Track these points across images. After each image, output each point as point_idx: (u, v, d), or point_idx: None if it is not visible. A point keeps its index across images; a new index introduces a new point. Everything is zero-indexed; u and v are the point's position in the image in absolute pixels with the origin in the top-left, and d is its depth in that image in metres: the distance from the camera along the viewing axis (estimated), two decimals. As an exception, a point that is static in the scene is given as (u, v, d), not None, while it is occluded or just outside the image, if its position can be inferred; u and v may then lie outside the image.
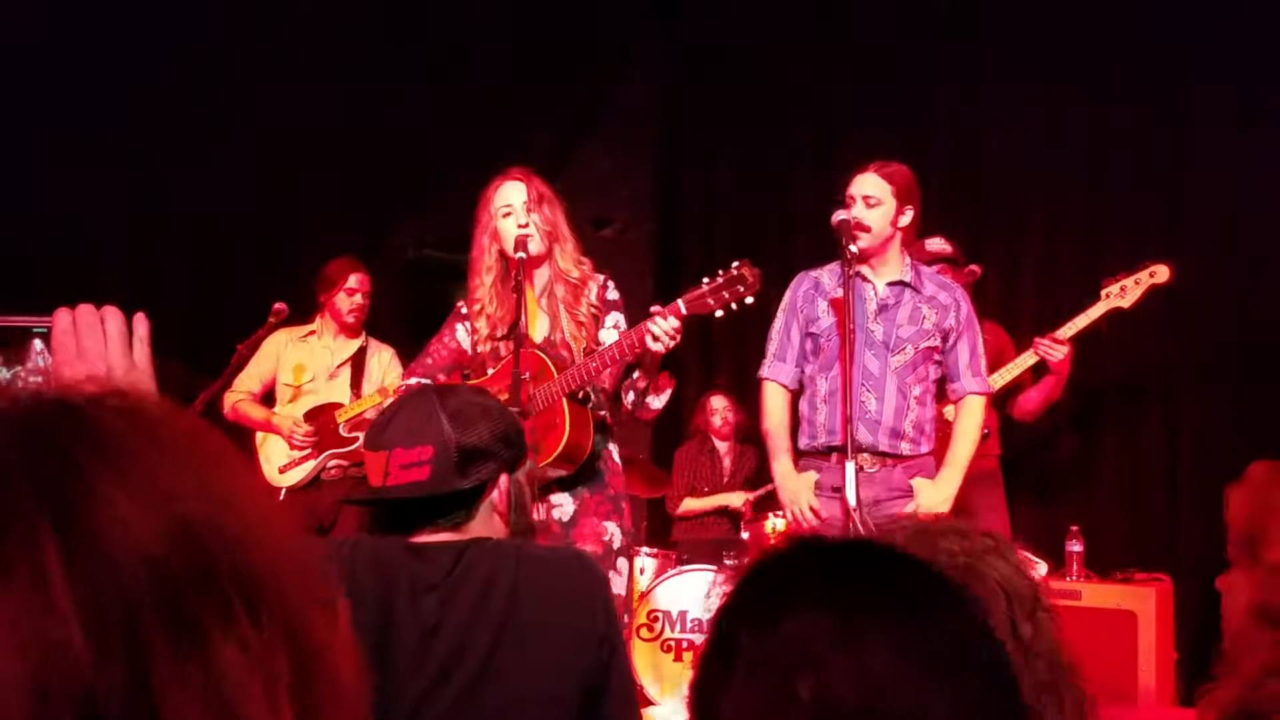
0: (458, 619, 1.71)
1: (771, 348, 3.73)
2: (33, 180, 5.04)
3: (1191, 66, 5.14)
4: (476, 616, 1.72)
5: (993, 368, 4.61)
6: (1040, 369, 4.56)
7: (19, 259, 4.95)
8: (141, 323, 1.36)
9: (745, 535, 5.38)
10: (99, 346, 1.32)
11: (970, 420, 3.62)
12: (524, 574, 1.77)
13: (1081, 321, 4.43)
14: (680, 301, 3.01)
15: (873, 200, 3.49)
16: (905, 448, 3.55)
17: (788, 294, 3.74)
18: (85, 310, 1.33)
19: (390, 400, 3.36)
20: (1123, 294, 4.39)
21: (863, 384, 3.52)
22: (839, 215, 3.36)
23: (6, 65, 4.98)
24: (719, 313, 2.99)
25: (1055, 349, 4.38)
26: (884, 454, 3.53)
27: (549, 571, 1.82)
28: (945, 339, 3.61)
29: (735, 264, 2.97)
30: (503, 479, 1.87)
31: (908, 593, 0.86)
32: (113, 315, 1.34)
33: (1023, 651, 1.19)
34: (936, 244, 4.61)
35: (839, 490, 3.22)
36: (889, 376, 3.55)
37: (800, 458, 3.65)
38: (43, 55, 5.11)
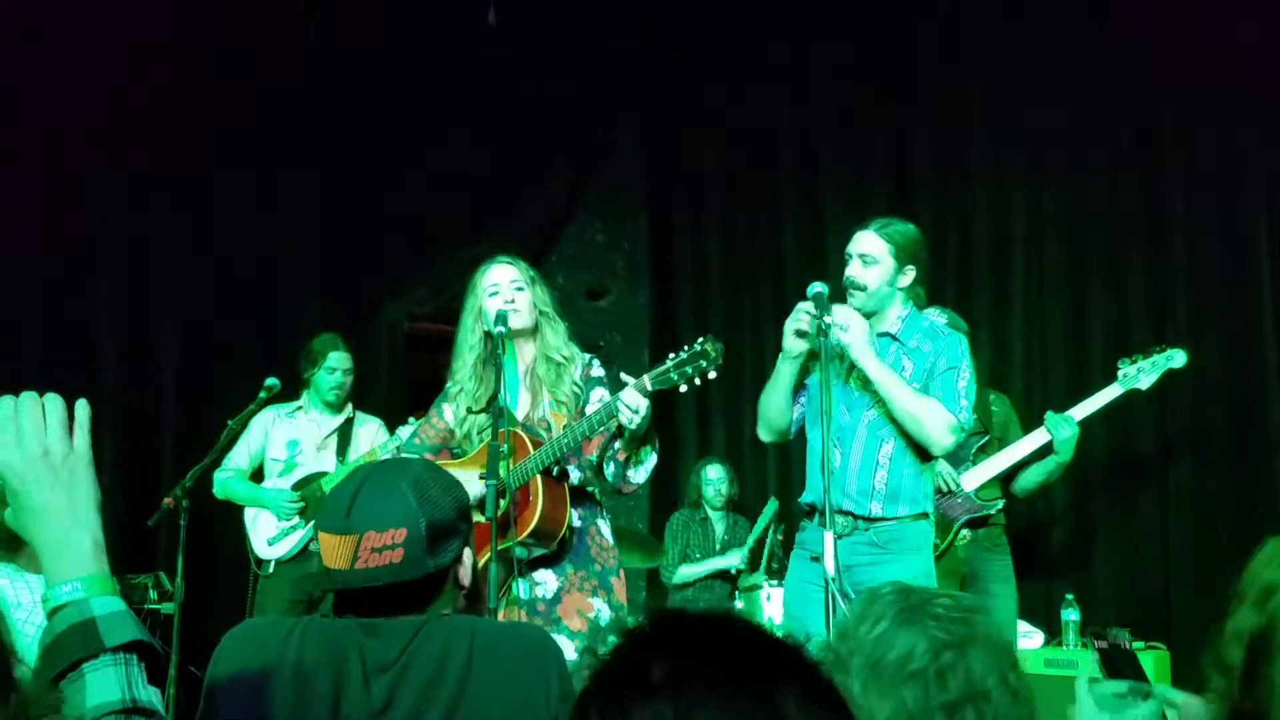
0: (408, 701, 1.70)
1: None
2: (27, 261, 5.10)
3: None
4: (427, 698, 1.70)
5: (1000, 440, 4.58)
6: (1043, 447, 4.52)
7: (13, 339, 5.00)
8: (83, 409, 1.38)
9: (739, 605, 5.32)
10: (40, 432, 1.34)
11: (924, 400, 3.29)
12: (478, 651, 1.74)
13: (1095, 404, 4.42)
14: (646, 377, 3.05)
15: (869, 259, 3.37)
16: (875, 509, 3.32)
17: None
18: (27, 397, 1.36)
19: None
20: (1140, 376, 4.40)
21: (835, 438, 3.31)
22: (815, 287, 3.30)
23: None
24: (683, 388, 3.01)
25: (1064, 426, 4.36)
26: (852, 514, 3.31)
27: (503, 649, 1.79)
28: (925, 389, 3.34)
29: (700, 340, 3.00)
30: (466, 553, 1.86)
31: (752, 678, 0.85)
32: (53, 401, 1.36)
33: (1010, 696, 1.32)
34: (932, 314, 4.58)
35: (819, 558, 3.09)
36: (861, 429, 3.37)
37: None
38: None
